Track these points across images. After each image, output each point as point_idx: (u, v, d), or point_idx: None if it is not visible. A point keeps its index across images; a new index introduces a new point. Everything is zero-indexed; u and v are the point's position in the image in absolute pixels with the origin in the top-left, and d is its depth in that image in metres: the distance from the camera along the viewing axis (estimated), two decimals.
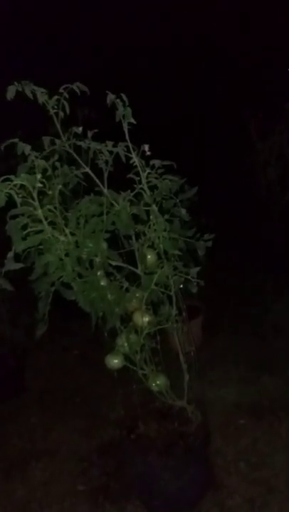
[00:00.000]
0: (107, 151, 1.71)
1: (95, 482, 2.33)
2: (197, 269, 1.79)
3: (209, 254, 3.26)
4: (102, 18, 5.15)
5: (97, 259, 1.75)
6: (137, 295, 1.79)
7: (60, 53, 4.93)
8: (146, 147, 1.71)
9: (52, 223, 1.63)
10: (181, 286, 1.85)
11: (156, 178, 1.77)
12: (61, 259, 1.55)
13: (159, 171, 1.80)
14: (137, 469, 2.09)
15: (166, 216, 1.79)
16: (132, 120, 1.70)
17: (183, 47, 5.10)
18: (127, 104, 1.68)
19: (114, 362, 1.80)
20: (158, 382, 1.87)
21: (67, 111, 1.70)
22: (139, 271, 1.81)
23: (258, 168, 4.06)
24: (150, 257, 1.77)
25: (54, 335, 3.42)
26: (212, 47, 5.09)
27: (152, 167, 1.78)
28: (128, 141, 1.73)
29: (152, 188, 1.79)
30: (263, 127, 3.99)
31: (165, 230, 1.67)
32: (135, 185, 1.73)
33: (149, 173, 1.77)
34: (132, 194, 1.70)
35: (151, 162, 1.77)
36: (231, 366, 3.08)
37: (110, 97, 1.70)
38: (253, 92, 4.38)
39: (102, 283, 1.79)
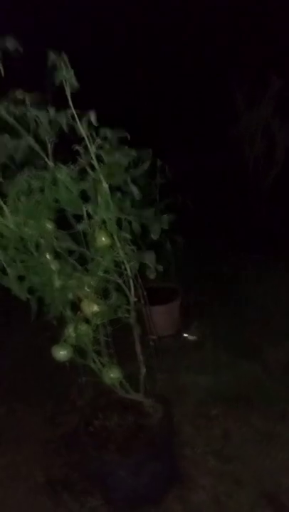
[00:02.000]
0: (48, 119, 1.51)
1: (57, 474, 2.22)
2: (152, 253, 1.61)
3: (189, 235, 3.12)
4: None
5: (42, 241, 1.59)
6: (91, 282, 1.63)
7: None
8: (92, 115, 1.51)
9: None
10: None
11: (108, 151, 1.58)
12: None
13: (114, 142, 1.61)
14: (95, 464, 1.98)
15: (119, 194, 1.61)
16: (75, 83, 1.50)
17: (171, 14, 4.79)
18: (68, 65, 1.47)
19: (61, 354, 1.64)
20: (112, 375, 1.72)
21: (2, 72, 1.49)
22: (90, 255, 1.63)
23: (244, 141, 3.83)
24: (100, 240, 1.59)
25: (27, 315, 3.29)
26: (200, 14, 4.78)
27: (104, 138, 1.58)
28: (72, 107, 1.53)
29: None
30: (250, 98, 3.74)
31: (110, 210, 1.48)
32: (80, 159, 1.53)
33: (100, 145, 1.57)
34: (76, 168, 1.50)
35: (102, 132, 1.58)
36: (209, 351, 2.94)
37: (51, 57, 1.49)
38: (239, 62, 4.10)
39: (53, 267, 1.63)
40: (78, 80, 1.53)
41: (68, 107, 1.52)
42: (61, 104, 1.57)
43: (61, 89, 1.62)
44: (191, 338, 1.72)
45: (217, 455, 2.19)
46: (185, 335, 1.75)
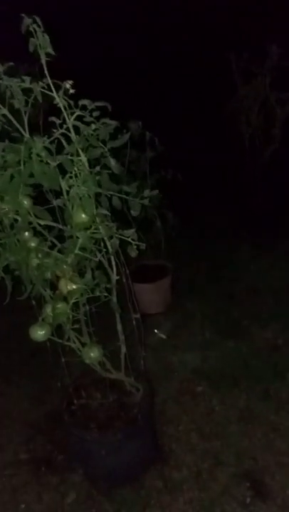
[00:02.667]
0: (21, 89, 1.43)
1: (40, 451, 2.23)
2: (132, 230, 1.55)
3: (182, 211, 3.05)
4: None
5: (18, 218, 1.53)
6: (67, 260, 1.57)
7: None
8: (68, 84, 1.43)
9: None
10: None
11: (89, 122, 1.51)
12: None
13: (94, 113, 1.53)
14: (77, 443, 1.97)
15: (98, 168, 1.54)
16: (51, 50, 1.41)
17: None
18: (42, 30, 1.38)
19: (39, 333, 1.61)
20: (91, 354, 1.69)
21: None
22: (67, 232, 1.58)
23: (241, 114, 3.71)
24: (79, 216, 1.53)
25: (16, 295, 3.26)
26: None
27: (83, 108, 1.50)
28: (48, 76, 1.44)
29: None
30: (247, 69, 3.60)
31: (84, 184, 1.41)
32: (54, 131, 1.45)
33: (81, 116, 1.50)
34: (49, 140, 1.43)
35: (80, 102, 1.50)
36: (197, 329, 2.92)
37: (26, 21, 1.40)
38: (237, 31, 3.92)
39: (32, 244, 1.59)
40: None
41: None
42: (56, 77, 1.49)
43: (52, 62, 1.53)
44: (162, 335, 1.66)
45: (200, 433, 2.20)
46: (156, 331, 1.69)
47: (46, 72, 1.43)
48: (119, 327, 1.77)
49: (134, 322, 1.85)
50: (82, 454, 2.01)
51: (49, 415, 2.41)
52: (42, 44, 1.39)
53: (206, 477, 1.99)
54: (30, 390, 2.58)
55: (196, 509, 1.87)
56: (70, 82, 1.44)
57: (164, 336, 1.69)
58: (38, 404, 2.49)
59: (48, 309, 1.61)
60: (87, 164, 1.50)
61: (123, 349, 1.79)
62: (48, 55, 1.42)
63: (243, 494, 1.91)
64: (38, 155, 1.39)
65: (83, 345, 1.72)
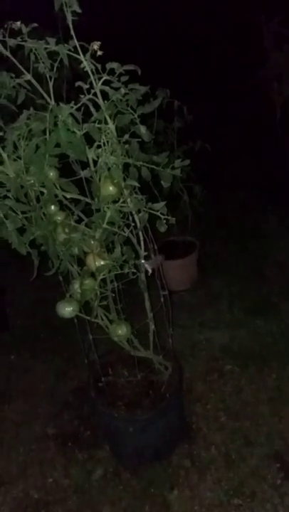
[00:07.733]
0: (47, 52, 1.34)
1: (67, 426, 2.23)
2: (162, 203, 1.47)
3: (211, 185, 2.93)
4: None
5: (44, 191, 1.47)
6: (95, 235, 1.51)
7: None
8: (95, 45, 1.33)
9: None
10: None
11: (116, 88, 1.41)
12: None
13: (123, 78, 1.43)
14: (104, 420, 1.95)
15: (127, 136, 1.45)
16: (77, 9, 1.31)
17: None
18: None
19: (66, 310, 1.56)
20: (119, 332, 1.64)
21: None
22: (94, 206, 1.51)
23: (272, 82, 3.51)
24: (107, 189, 1.46)
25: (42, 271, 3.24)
26: None
27: (111, 73, 1.41)
28: (74, 38, 1.34)
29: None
30: (279, 34, 3.39)
31: (112, 154, 1.33)
32: (81, 96, 1.36)
33: (109, 81, 1.40)
34: (75, 106, 1.34)
35: (108, 66, 1.40)
36: (225, 307, 2.85)
37: None
38: None
39: (59, 217, 1.53)
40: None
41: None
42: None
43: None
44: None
45: (229, 412, 2.15)
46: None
47: (72, 32, 1.34)
48: (147, 304, 1.71)
49: (162, 299, 1.79)
50: (110, 431, 2.00)
51: (76, 391, 2.41)
52: (68, 1, 1.29)
53: (235, 457, 1.95)
54: (57, 366, 2.58)
55: (224, 489, 1.84)
56: (98, 43, 1.34)
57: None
58: (65, 380, 2.48)
59: (76, 285, 1.56)
60: (115, 132, 1.42)
61: (151, 327, 1.74)
62: (74, 13, 1.32)
63: (274, 475, 1.86)
64: (64, 122, 1.31)
65: (111, 322, 1.67)
